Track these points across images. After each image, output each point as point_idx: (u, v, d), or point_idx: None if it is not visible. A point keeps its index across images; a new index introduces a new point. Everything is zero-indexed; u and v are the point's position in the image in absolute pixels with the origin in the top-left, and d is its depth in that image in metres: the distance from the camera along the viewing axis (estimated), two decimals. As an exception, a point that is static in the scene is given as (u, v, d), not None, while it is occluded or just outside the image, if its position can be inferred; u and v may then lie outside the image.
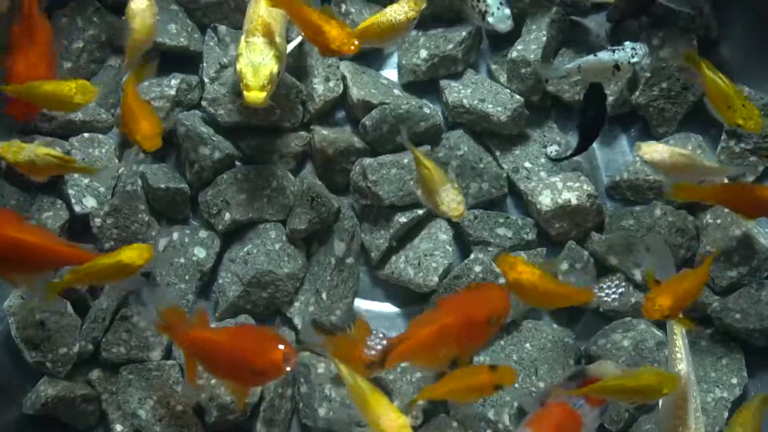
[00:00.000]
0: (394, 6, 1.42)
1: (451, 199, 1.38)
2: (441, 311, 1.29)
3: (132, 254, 1.29)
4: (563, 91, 1.62)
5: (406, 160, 1.50)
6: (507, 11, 1.49)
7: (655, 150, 1.42)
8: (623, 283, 1.54)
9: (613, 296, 1.54)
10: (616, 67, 1.47)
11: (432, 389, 1.34)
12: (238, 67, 1.38)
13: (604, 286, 1.54)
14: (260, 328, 1.27)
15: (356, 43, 1.36)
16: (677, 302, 1.33)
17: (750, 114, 1.36)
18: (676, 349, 1.41)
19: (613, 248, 1.54)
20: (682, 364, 1.40)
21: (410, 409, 1.46)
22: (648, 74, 1.59)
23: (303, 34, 1.41)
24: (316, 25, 1.35)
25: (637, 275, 1.52)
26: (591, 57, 1.48)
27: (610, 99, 1.60)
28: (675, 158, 1.42)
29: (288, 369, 1.21)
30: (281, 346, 1.20)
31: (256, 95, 1.35)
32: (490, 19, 1.49)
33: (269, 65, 1.37)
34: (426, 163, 1.40)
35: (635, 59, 1.46)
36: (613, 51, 1.47)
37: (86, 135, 1.57)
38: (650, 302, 1.33)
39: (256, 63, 1.37)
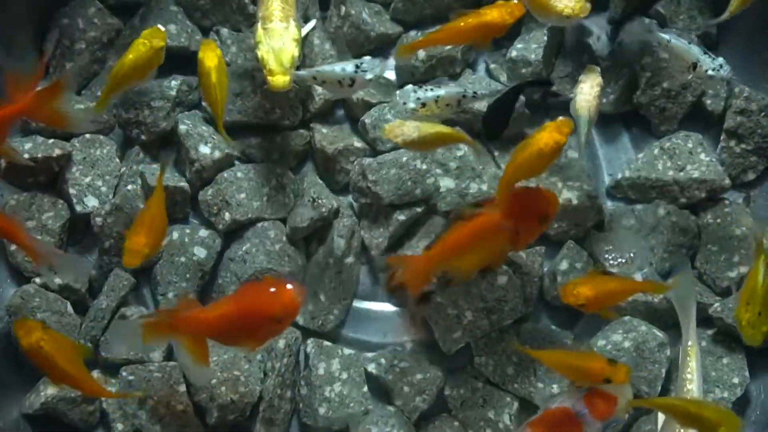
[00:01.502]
0: None
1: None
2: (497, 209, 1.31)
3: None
4: (564, 90, 1.62)
5: (405, 159, 1.50)
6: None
7: (402, 130, 1.39)
8: (626, 256, 1.53)
9: (616, 262, 1.53)
10: (693, 66, 1.45)
11: (545, 354, 1.39)
12: (258, 54, 1.37)
13: (609, 257, 1.54)
14: (255, 283, 1.25)
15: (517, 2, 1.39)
16: (597, 298, 1.33)
17: (758, 324, 1.31)
18: (689, 370, 1.41)
19: (615, 247, 1.53)
20: (693, 385, 1.40)
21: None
22: (649, 74, 1.58)
23: (478, 37, 1.42)
24: (474, 24, 1.38)
25: (638, 277, 1.51)
26: (684, 41, 1.47)
27: (611, 97, 1.60)
28: (423, 133, 1.39)
29: (302, 304, 1.22)
30: (288, 286, 1.20)
31: (280, 79, 1.35)
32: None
33: (290, 49, 1.37)
34: None
35: (712, 73, 1.44)
36: (705, 52, 1.45)
37: (88, 136, 1.58)
38: (572, 285, 1.34)
39: (277, 48, 1.37)
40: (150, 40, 1.40)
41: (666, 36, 1.49)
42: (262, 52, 1.37)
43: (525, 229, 1.34)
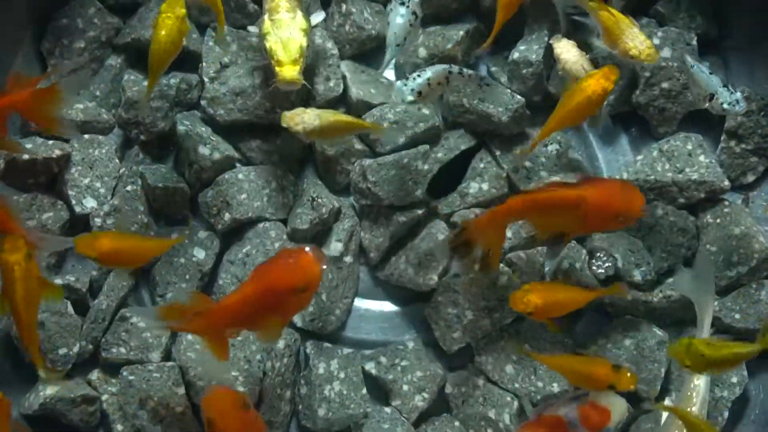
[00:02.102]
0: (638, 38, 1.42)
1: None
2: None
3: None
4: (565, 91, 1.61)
5: (406, 161, 1.50)
6: None
7: (303, 118, 1.38)
8: (611, 258, 1.53)
9: (602, 270, 1.54)
10: (711, 96, 1.45)
11: (550, 358, 1.39)
12: (267, 45, 1.37)
13: (594, 261, 1.54)
14: (271, 258, 1.21)
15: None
16: (547, 306, 1.32)
17: (691, 356, 1.26)
18: None
19: (615, 246, 1.54)
20: (701, 381, 1.40)
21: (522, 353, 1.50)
22: (648, 73, 1.58)
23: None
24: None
25: (637, 276, 1.52)
26: (706, 71, 1.47)
27: (610, 98, 1.60)
28: (324, 121, 1.39)
29: (324, 267, 1.17)
30: (306, 250, 1.16)
31: (289, 70, 1.34)
32: None
33: (298, 39, 1.37)
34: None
35: (727, 107, 1.44)
36: (724, 85, 1.45)
37: (87, 136, 1.57)
38: (522, 293, 1.33)
39: (285, 38, 1.36)
40: (173, 11, 1.37)
41: (690, 61, 1.49)
42: (270, 43, 1.36)
43: (597, 221, 1.33)
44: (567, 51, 1.49)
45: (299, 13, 1.40)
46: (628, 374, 1.31)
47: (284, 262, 1.16)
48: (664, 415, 1.45)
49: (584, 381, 1.35)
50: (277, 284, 1.16)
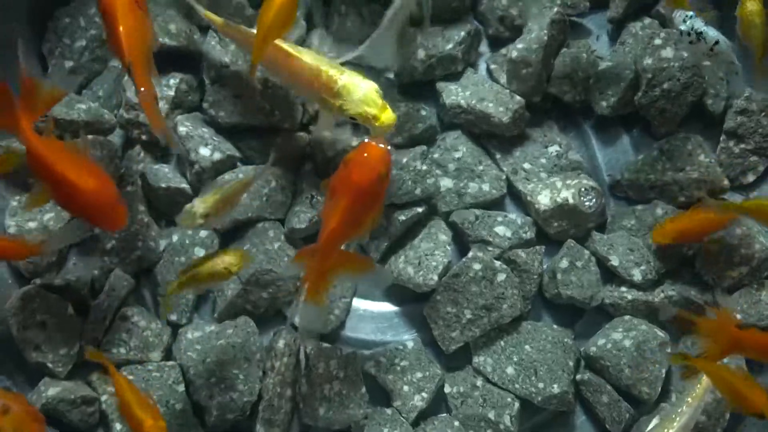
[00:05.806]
0: None
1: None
2: None
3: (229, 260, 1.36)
4: (564, 92, 1.61)
5: (404, 160, 1.50)
6: None
7: None
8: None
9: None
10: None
11: (709, 366, 1.34)
12: (357, 112, 1.35)
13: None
14: (346, 166, 1.24)
15: None
16: None
17: None
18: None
19: (614, 247, 1.54)
20: (689, 409, 1.41)
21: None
22: (650, 75, 1.58)
23: None
24: None
25: (636, 275, 1.52)
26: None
27: (612, 100, 1.60)
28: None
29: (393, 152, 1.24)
30: (369, 142, 1.22)
31: (386, 117, 1.34)
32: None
33: (370, 87, 1.35)
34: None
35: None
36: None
37: (89, 137, 1.57)
38: None
39: (361, 97, 1.34)
40: None
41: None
42: (356, 110, 1.35)
43: None
44: None
45: (344, 71, 1.38)
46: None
47: (359, 160, 1.22)
48: (653, 422, 1.45)
49: (737, 400, 1.32)
50: (365, 180, 1.22)
